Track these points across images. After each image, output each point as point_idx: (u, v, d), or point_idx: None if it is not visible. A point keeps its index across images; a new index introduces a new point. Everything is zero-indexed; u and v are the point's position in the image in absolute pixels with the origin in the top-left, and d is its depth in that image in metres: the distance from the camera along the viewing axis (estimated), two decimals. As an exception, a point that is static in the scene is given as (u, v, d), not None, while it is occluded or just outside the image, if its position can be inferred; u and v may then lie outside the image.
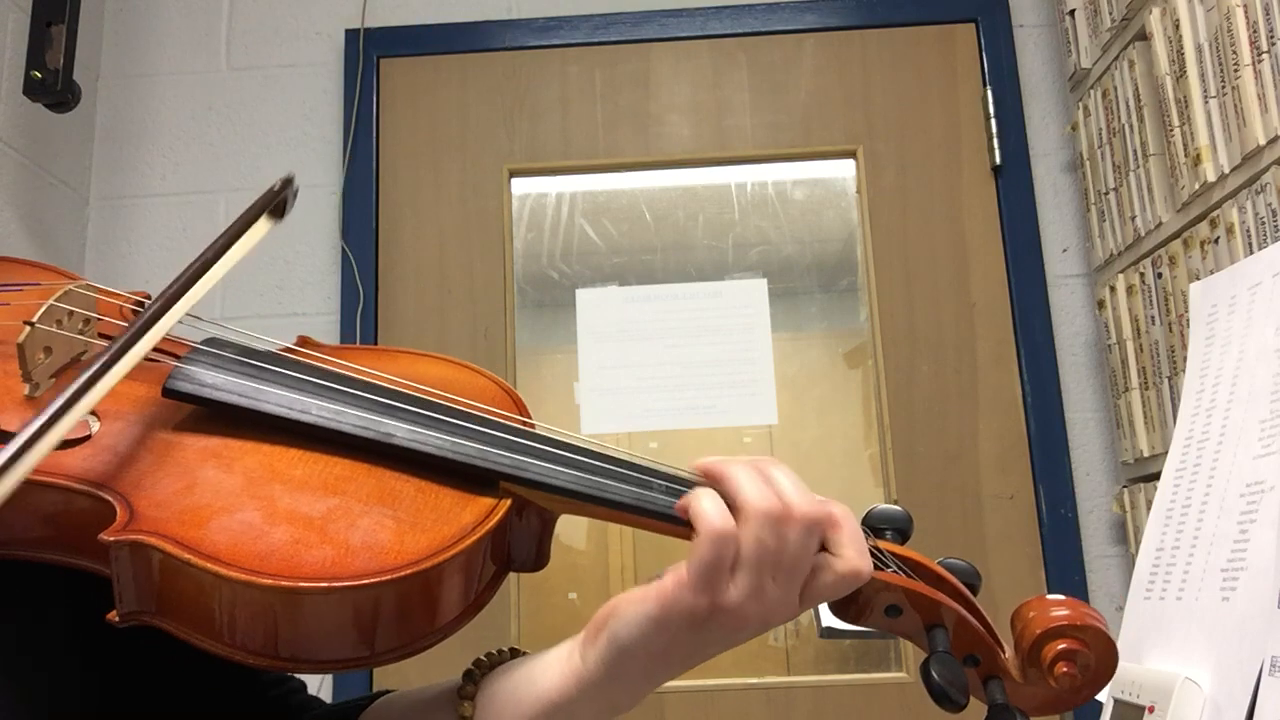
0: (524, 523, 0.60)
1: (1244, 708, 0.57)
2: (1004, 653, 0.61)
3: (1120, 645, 0.71)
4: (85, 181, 2.09)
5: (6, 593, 0.61)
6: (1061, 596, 0.61)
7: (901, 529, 0.63)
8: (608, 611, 0.57)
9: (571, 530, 1.97)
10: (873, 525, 0.63)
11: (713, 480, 0.57)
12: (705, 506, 0.54)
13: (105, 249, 2.07)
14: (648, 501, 0.58)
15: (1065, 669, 0.58)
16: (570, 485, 0.58)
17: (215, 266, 0.60)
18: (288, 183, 0.65)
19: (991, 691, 0.60)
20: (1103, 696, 0.70)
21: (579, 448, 0.60)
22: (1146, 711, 0.63)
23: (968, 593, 0.61)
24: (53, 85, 1.77)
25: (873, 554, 0.59)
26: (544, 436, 0.61)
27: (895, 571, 0.60)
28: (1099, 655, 0.59)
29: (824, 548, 0.56)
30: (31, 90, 1.78)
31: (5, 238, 1.82)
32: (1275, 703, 0.54)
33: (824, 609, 0.63)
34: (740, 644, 0.56)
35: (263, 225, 0.63)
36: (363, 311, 1.99)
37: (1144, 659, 0.67)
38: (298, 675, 0.75)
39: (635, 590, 0.56)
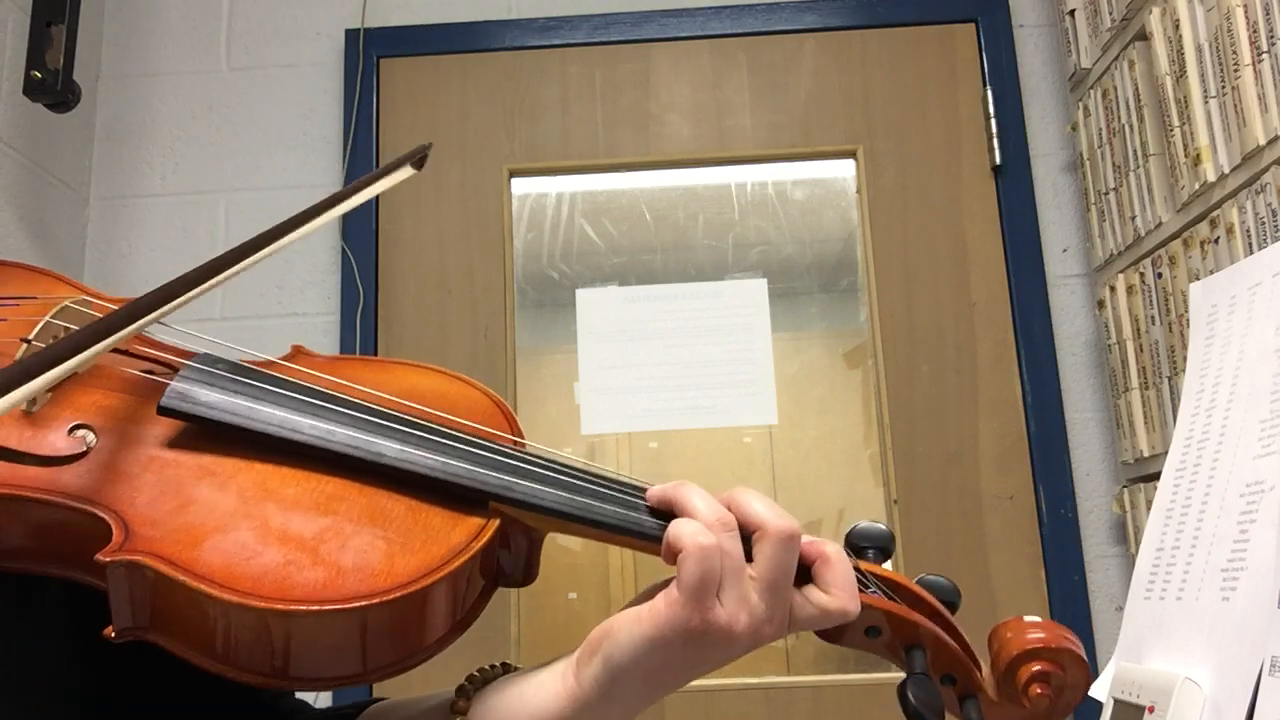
0: (513, 541, 0.61)
1: (1244, 708, 0.57)
2: (980, 672, 0.62)
3: (1120, 645, 0.71)
4: (85, 181, 2.09)
5: (6, 606, 0.61)
6: (1038, 619, 0.62)
7: (884, 548, 0.64)
8: (601, 634, 0.58)
9: (571, 530, 1.97)
10: (854, 543, 0.64)
11: (668, 506, 0.58)
12: (685, 528, 0.55)
13: (105, 249, 2.07)
14: (633, 523, 0.59)
15: (1039, 690, 0.60)
16: (557, 505, 0.58)
17: (358, 196, 0.71)
18: (428, 145, 0.82)
19: (967, 710, 0.62)
20: (1103, 696, 0.70)
21: (567, 468, 0.61)
22: (1146, 711, 0.63)
23: (946, 612, 0.62)
24: (53, 85, 1.77)
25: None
26: (532, 457, 0.61)
27: (875, 593, 0.61)
28: (1073, 678, 0.61)
29: (815, 582, 0.58)
30: (31, 90, 1.78)
31: (5, 238, 1.82)
32: (1275, 703, 0.54)
33: None
34: (731, 662, 0.58)
35: (406, 171, 0.78)
36: (363, 312, 1.99)
37: (1144, 659, 0.67)
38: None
39: (628, 612, 0.57)
